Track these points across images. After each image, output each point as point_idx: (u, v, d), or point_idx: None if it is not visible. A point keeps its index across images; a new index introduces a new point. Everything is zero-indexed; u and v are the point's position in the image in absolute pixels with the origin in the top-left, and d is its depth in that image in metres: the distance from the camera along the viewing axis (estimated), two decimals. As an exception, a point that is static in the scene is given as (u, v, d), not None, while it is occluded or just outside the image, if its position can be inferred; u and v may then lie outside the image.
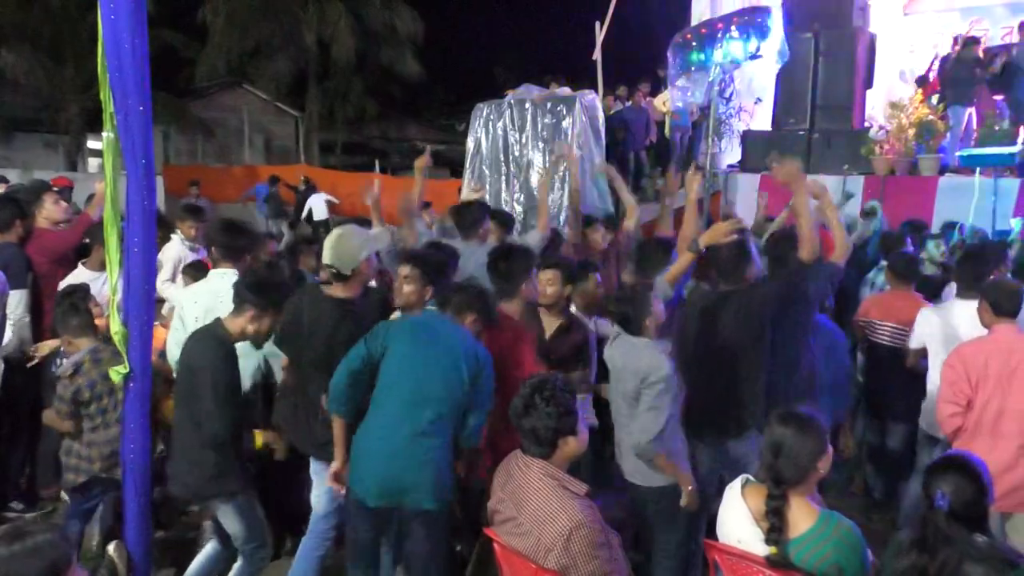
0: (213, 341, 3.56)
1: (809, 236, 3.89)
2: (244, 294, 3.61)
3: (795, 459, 2.71)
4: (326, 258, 3.73)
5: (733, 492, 2.90)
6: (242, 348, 3.70)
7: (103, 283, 5.05)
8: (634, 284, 4.30)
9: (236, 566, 3.88)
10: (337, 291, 3.79)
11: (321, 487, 3.86)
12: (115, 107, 3.03)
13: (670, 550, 3.77)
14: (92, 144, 24.37)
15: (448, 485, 3.43)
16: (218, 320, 3.65)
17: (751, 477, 2.91)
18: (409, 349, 3.44)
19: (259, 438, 3.88)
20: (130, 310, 3.27)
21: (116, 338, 3.28)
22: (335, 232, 3.78)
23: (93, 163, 24.43)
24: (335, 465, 3.58)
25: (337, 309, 3.74)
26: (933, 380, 4.71)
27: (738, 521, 2.81)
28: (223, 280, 4.26)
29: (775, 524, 2.68)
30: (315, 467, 3.88)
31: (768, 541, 2.68)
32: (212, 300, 4.22)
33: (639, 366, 3.55)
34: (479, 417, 3.50)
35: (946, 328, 4.72)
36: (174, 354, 4.16)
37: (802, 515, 2.70)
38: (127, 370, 3.29)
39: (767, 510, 2.71)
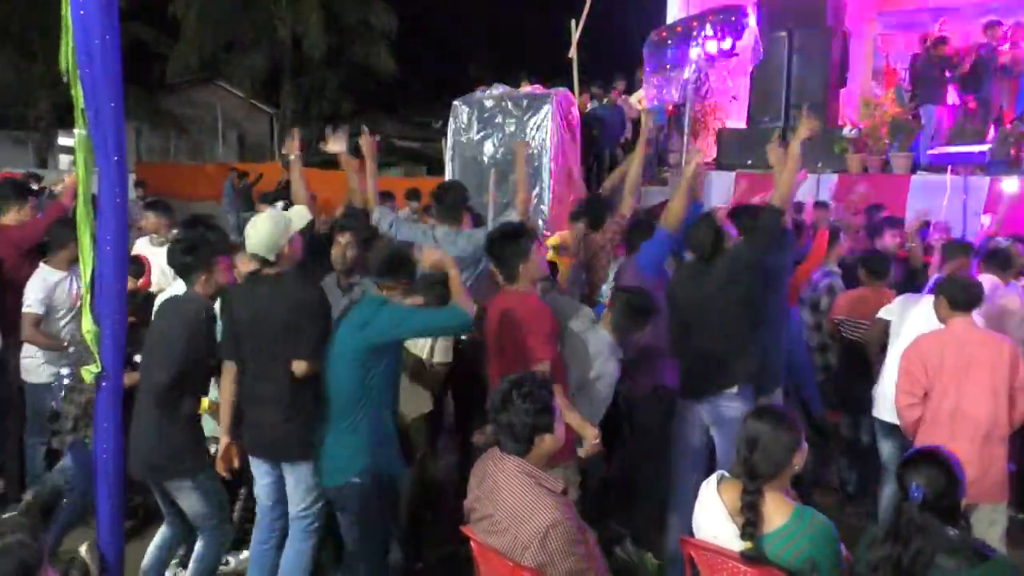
0: (192, 305, 3.68)
1: (785, 182, 4.23)
2: (185, 260, 3.75)
3: (770, 454, 2.74)
4: (248, 246, 3.70)
5: (709, 488, 2.92)
6: None
7: (69, 281, 4.99)
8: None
9: (198, 547, 3.88)
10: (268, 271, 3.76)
11: (264, 479, 3.83)
12: (86, 103, 2.99)
13: None
14: (63, 141, 24.07)
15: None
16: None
17: (726, 473, 2.94)
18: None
19: (204, 403, 3.84)
20: (102, 308, 3.23)
21: (88, 337, 3.24)
22: (253, 219, 3.76)
23: (64, 160, 24.13)
24: None
25: (274, 282, 3.70)
26: (888, 367, 4.78)
27: (714, 517, 2.84)
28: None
29: (750, 519, 2.70)
30: (255, 461, 3.84)
31: (743, 536, 2.70)
32: None
33: None
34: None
35: (907, 318, 4.79)
36: None
37: (777, 510, 2.73)
38: (99, 369, 3.25)
39: (742, 505, 2.73)
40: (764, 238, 4.17)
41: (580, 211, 5.75)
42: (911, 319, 4.74)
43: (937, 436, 3.94)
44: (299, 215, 3.85)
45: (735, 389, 4.11)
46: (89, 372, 3.27)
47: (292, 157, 5.38)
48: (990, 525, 4.00)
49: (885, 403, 4.76)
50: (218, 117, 27.68)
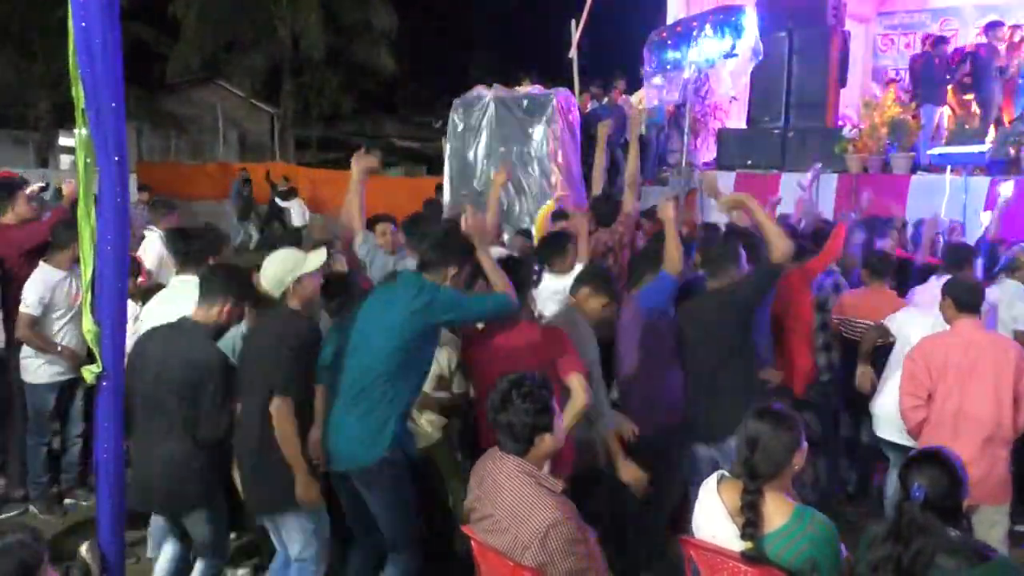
0: (204, 337, 3.63)
1: (776, 240, 4.20)
2: (219, 285, 3.69)
3: (770, 454, 2.74)
4: (257, 281, 3.74)
5: (708, 488, 2.92)
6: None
7: (69, 281, 5.00)
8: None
9: (199, 567, 3.87)
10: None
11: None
12: (87, 103, 2.99)
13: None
14: (63, 141, 24.07)
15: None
16: (185, 318, 3.70)
17: (726, 473, 2.94)
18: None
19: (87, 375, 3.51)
20: (103, 308, 3.23)
21: (88, 336, 3.23)
22: (269, 257, 3.76)
23: (65, 160, 24.13)
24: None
25: (269, 324, 3.69)
26: (892, 368, 4.80)
27: (713, 517, 2.84)
28: (184, 287, 4.24)
29: (750, 519, 2.70)
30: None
31: (743, 536, 2.70)
32: (171, 309, 4.06)
33: None
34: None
35: (909, 334, 4.75)
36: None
37: (777, 510, 2.73)
38: (100, 368, 3.25)
39: (742, 505, 2.73)
40: (760, 289, 4.31)
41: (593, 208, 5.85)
42: (914, 334, 4.71)
43: (940, 437, 3.94)
44: (315, 256, 3.80)
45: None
46: (90, 372, 3.27)
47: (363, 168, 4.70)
48: (991, 526, 4.00)
49: (886, 421, 4.75)
50: (218, 117, 27.67)
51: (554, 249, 5.16)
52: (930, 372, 4.08)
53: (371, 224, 5.14)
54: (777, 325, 4.94)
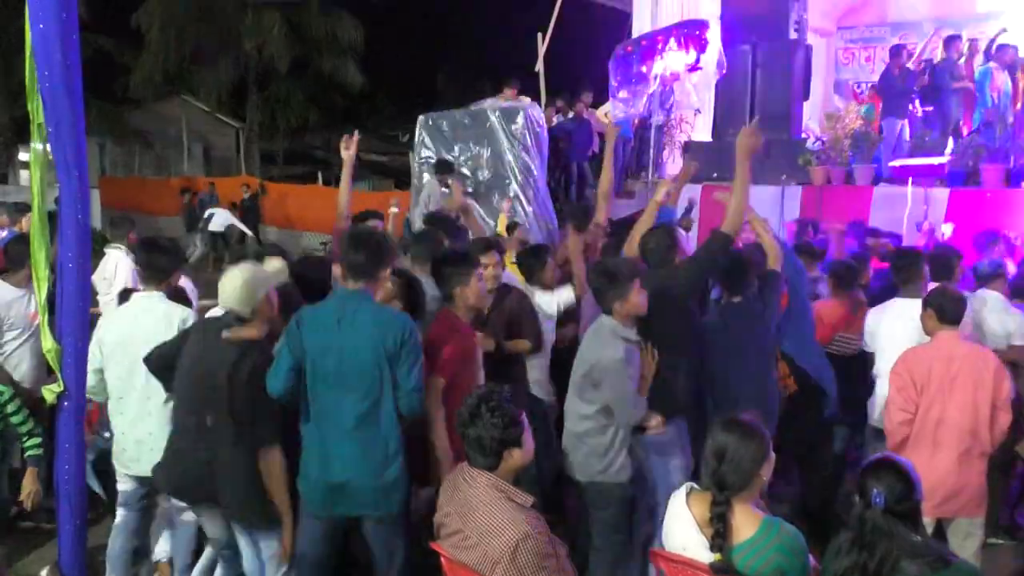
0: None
1: (771, 246, 4.30)
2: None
3: (738, 465, 2.75)
4: (222, 301, 3.52)
5: (678, 500, 2.93)
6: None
7: (27, 300, 4.90)
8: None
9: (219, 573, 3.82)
10: (242, 334, 3.54)
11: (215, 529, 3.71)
12: (45, 118, 2.95)
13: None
14: (23, 156, 23.67)
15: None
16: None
17: (695, 485, 2.94)
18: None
19: (47, 395, 3.42)
20: (64, 327, 3.18)
21: (49, 356, 3.18)
22: (227, 274, 3.55)
23: (24, 175, 23.73)
24: None
25: (237, 351, 3.47)
26: (880, 373, 4.82)
27: (683, 528, 2.84)
28: (147, 302, 3.95)
29: (719, 530, 2.71)
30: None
31: (712, 548, 2.71)
32: (130, 327, 3.83)
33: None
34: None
35: (887, 323, 4.84)
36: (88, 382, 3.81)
37: (746, 521, 2.74)
38: (61, 388, 3.20)
39: (711, 516, 2.74)
40: (701, 264, 4.19)
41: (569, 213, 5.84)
42: (887, 331, 4.80)
43: (920, 448, 3.98)
44: (277, 271, 3.73)
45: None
46: (51, 391, 3.21)
47: (351, 155, 4.84)
48: (966, 538, 4.04)
49: (877, 409, 4.80)
50: (183, 130, 27.42)
51: (534, 263, 5.14)
52: (915, 384, 4.06)
53: (360, 221, 5.16)
54: None
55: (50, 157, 3.03)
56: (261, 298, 3.51)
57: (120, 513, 4.05)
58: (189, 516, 4.12)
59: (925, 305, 4.22)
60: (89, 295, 3.35)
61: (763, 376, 4.32)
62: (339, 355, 3.32)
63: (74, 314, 3.20)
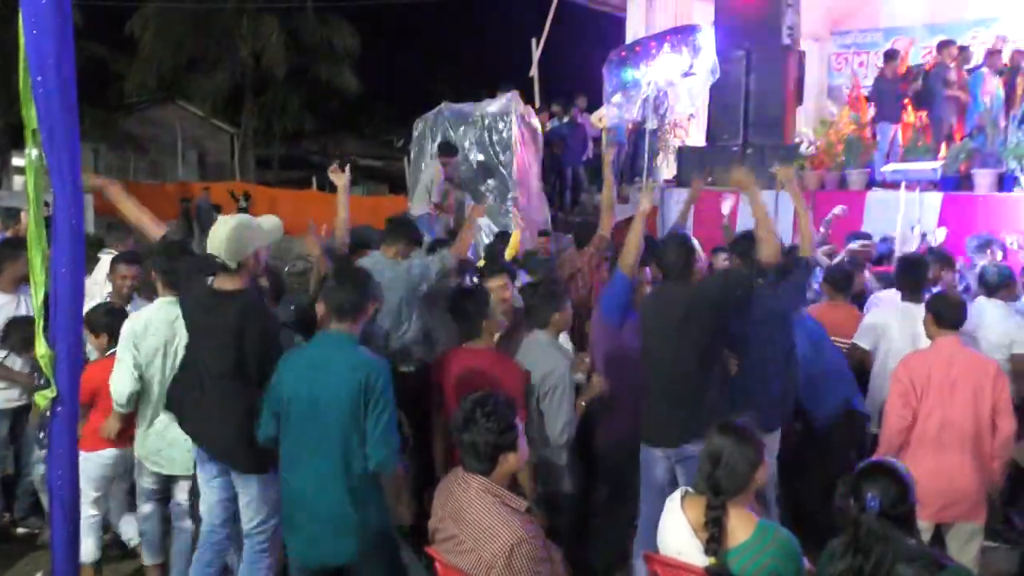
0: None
1: (768, 239, 4.06)
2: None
3: (733, 469, 2.76)
4: (211, 247, 3.52)
5: (673, 504, 2.93)
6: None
7: (15, 304, 4.91)
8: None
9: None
10: (225, 284, 3.58)
11: (213, 496, 3.76)
12: (39, 124, 2.94)
13: None
14: (18, 162, 23.62)
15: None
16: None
17: (690, 489, 2.95)
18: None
19: (40, 400, 3.28)
20: (57, 332, 3.17)
21: (42, 362, 3.17)
22: (221, 221, 3.57)
23: (18, 181, 23.67)
24: None
25: (233, 301, 3.55)
26: (878, 374, 4.88)
27: (678, 532, 2.84)
28: (173, 308, 4.09)
29: (714, 534, 2.71)
30: (212, 471, 3.75)
31: (707, 552, 2.71)
32: (168, 330, 4.05)
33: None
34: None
35: (894, 326, 4.89)
36: (125, 389, 4.02)
37: (741, 525, 2.74)
38: (55, 394, 3.18)
39: (706, 521, 2.75)
40: (790, 291, 4.28)
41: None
42: (891, 330, 4.86)
43: (924, 451, 3.98)
44: (273, 225, 3.72)
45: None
46: (44, 397, 3.20)
47: (344, 184, 4.96)
48: (966, 543, 4.04)
49: (877, 413, 4.80)
50: (178, 136, 27.38)
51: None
52: (915, 389, 4.06)
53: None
54: None
55: (44, 163, 3.03)
56: (250, 251, 3.55)
57: (151, 505, 4.32)
58: (186, 523, 4.17)
59: (926, 309, 4.24)
60: (83, 301, 3.33)
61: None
62: (312, 402, 3.23)
63: (68, 320, 3.18)
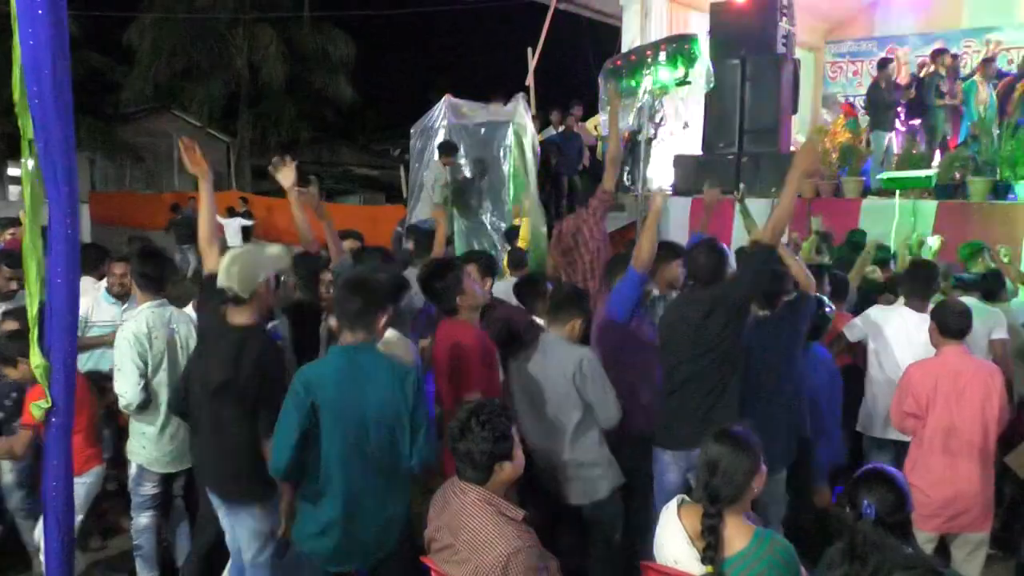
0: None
1: (777, 215, 4.09)
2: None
3: (730, 477, 2.75)
4: (221, 281, 3.49)
5: (669, 512, 2.92)
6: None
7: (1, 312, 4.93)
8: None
9: None
10: (236, 317, 3.55)
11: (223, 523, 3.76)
12: (35, 133, 2.94)
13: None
14: (12, 171, 23.62)
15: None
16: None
17: (687, 497, 2.94)
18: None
19: (35, 411, 3.27)
20: (53, 342, 3.16)
21: (37, 372, 3.16)
22: (229, 254, 3.55)
23: (14, 191, 23.66)
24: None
25: (239, 337, 3.53)
26: (873, 380, 4.89)
27: (674, 541, 2.83)
28: (165, 309, 4.28)
29: (711, 543, 2.70)
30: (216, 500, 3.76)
31: (704, 560, 2.70)
32: (168, 331, 4.23)
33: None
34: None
35: (890, 332, 4.89)
36: (134, 399, 4.10)
37: (738, 533, 2.73)
38: (49, 404, 3.17)
39: (703, 529, 2.74)
40: (750, 277, 4.06)
41: None
42: (886, 335, 4.86)
43: (933, 464, 4.00)
44: (281, 255, 3.71)
45: None
46: (39, 408, 3.19)
47: (288, 186, 4.57)
48: (971, 553, 4.05)
49: (873, 420, 4.88)
50: (173, 145, 27.35)
51: (531, 293, 5.06)
52: (918, 401, 4.08)
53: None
54: None
55: (40, 172, 3.03)
56: (261, 281, 3.52)
57: (149, 515, 4.38)
58: (178, 502, 4.29)
59: (931, 318, 4.24)
60: (78, 311, 3.33)
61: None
62: (357, 416, 3.19)
63: (63, 330, 3.18)
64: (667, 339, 4.23)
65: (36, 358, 3.13)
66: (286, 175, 4.50)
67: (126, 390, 4.12)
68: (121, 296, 5.37)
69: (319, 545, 3.28)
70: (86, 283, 5.72)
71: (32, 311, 3.13)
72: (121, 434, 4.65)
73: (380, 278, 3.63)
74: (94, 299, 5.30)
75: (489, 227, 10.12)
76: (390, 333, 3.86)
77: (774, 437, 3.95)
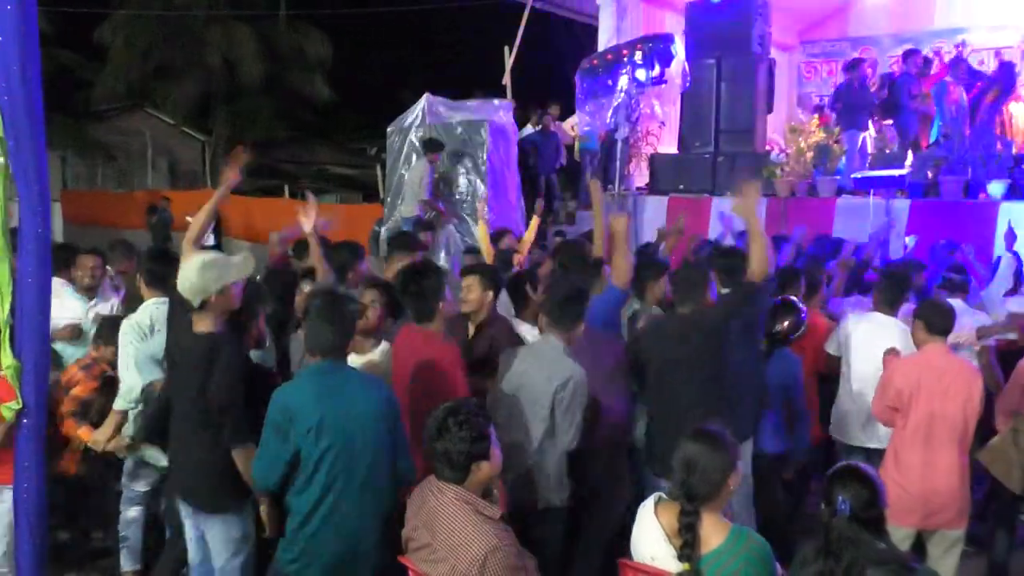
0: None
1: (761, 257, 4.07)
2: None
3: (707, 476, 2.77)
4: (179, 286, 3.47)
5: (646, 510, 2.94)
6: None
7: None
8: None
9: None
10: (198, 324, 3.49)
11: (189, 532, 3.70)
12: (4, 131, 2.91)
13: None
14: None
15: None
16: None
17: (663, 495, 2.96)
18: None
19: (6, 412, 3.26)
20: (24, 343, 3.13)
21: (8, 373, 3.13)
22: (190, 261, 3.49)
23: (-16, 189, 23.31)
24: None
25: (203, 345, 3.46)
26: (845, 389, 4.92)
27: (651, 539, 2.85)
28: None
29: (688, 540, 2.72)
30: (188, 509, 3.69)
31: (681, 558, 2.72)
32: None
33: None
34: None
35: (860, 338, 4.89)
36: (137, 387, 4.12)
37: (714, 531, 2.75)
38: (20, 406, 3.14)
39: (680, 527, 2.75)
40: (729, 309, 4.15)
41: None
42: (858, 341, 4.87)
43: (911, 458, 4.04)
44: (243, 263, 3.61)
45: None
46: (9, 409, 3.15)
47: (308, 230, 4.61)
48: (947, 550, 4.10)
49: (845, 426, 4.90)
50: (147, 144, 27.11)
51: (517, 295, 4.97)
52: (900, 395, 4.12)
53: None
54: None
55: (10, 171, 2.99)
56: (214, 290, 3.42)
57: (138, 510, 4.51)
58: None
59: (915, 317, 4.28)
60: (49, 311, 3.29)
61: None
62: (343, 433, 3.16)
63: (34, 331, 3.14)
64: (652, 368, 4.23)
65: (7, 358, 3.09)
66: (306, 213, 4.64)
67: (128, 382, 4.21)
68: (90, 289, 5.31)
69: (306, 572, 3.23)
70: (56, 284, 5.67)
71: (3, 313, 3.09)
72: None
73: (351, 308, 3.54)
74: (60, 297, 5.24)
75: (471, 224, 10.16)
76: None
77: (743, 407, 4.17)
